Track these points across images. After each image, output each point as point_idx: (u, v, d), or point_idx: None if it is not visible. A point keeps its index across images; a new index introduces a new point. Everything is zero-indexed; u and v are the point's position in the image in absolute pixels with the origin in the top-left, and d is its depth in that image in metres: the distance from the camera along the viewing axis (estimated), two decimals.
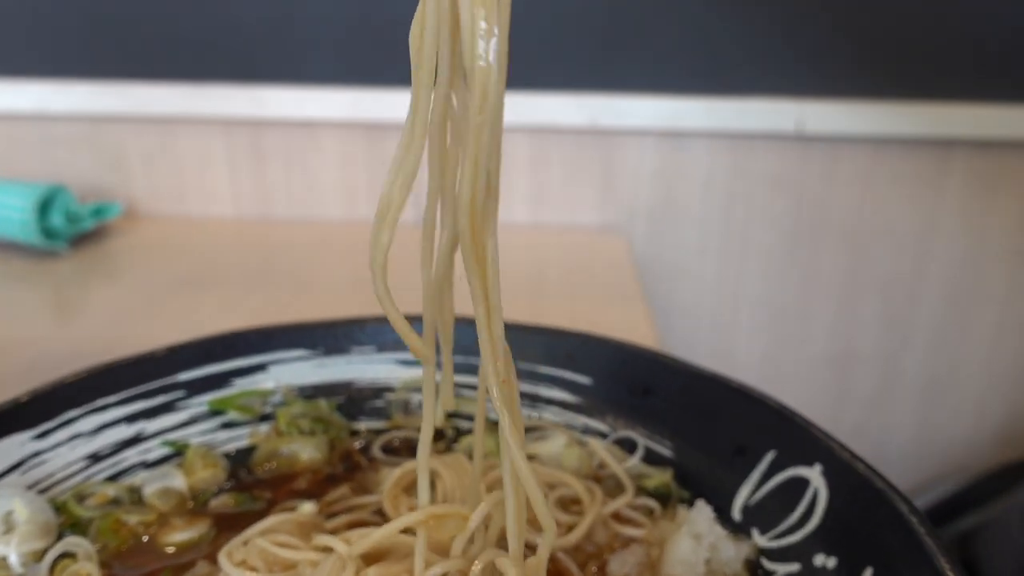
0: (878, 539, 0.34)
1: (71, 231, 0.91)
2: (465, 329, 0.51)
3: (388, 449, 0.49)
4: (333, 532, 0.39)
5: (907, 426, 1.07)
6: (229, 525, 0.42)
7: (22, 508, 0.38)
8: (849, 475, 0.37)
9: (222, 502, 0.44)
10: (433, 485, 0.43)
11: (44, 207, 0.89)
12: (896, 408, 1.06)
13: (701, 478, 0.44)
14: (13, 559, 0.38)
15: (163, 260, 0.89)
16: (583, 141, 0.97)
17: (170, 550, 0.41)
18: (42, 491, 0.42)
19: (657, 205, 1.00)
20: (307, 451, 0.47)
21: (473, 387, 0.51)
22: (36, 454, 0.42)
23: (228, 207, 1.02)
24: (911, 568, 0.32)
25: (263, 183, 1.01)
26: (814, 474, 0.39)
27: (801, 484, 0.39)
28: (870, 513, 0.35)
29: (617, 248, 0.94)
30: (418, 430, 0.49)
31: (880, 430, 1.07)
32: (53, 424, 0.43)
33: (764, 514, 0.40)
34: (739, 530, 0.41)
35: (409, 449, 0.49)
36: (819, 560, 0.36)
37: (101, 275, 0.87)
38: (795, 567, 0.37)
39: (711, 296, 1.03)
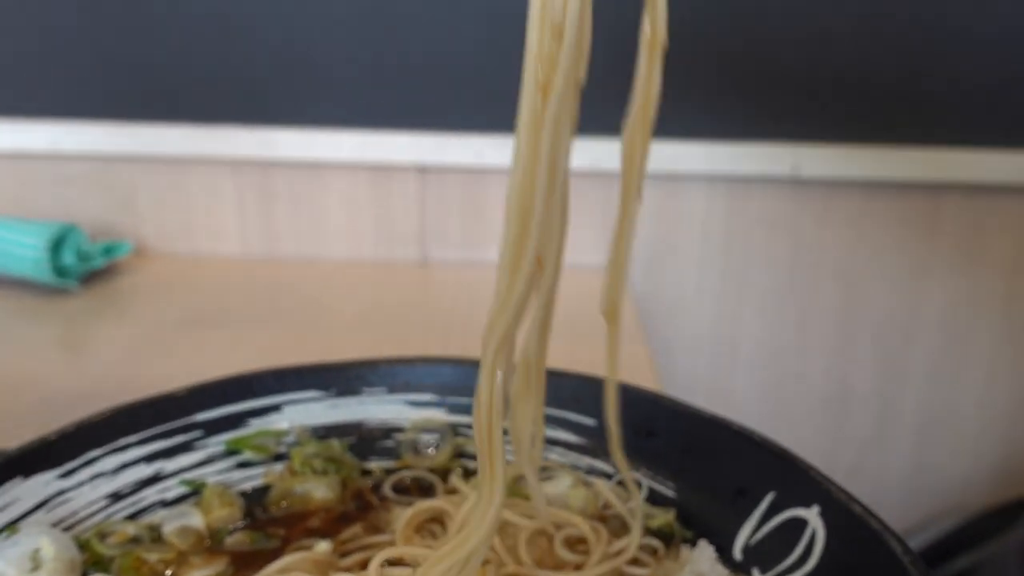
0: None
1: (82, 269, 0.93)
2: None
3: (399, 488, 0.50)
4: (347, 571, 0.41)
5: (903, 465, 1.08)
6: (245, 563, 0.44)
7: (49, 546, 0.40)
8: (846, 516, 0.39)
9: (237, 540, 0.46)
10: (443, 525, 0.45)
11: (56, 245, 0.91)
12: (892, 447, 1.08)
13: (703, 518, 0.45)
14: None
15: (172, 298, 0.91)
16: (583, 183, 1.00)
17: None
18: (66, 529, 0.43)
19: (656, 246, 1.02)
20: (320, 490, 0.49)
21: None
22: (60, 493, 0.44)
23: (236, 246, 1.04)
24: None
25: (271, 223, 1.03)
26: (812, 515, 0.40)
27: (800, 525, 0.40)
28: (866, 554, 0.37)
29: None
30: (428, 470, 0.51)
31: (876, 469, 1.08)
32: (77, 463, 0.45)
33: (764, 554, 0.42)
34: (740, 569, 0.42)
35: (419, 488, 0.50)
36: None
37: (111, 313, 0.88)
38: None
39: (709, 336, 1.05)
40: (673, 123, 0.96)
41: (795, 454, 0.43)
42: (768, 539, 0.42)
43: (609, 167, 0.97)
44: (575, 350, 0.79)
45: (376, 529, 0.46)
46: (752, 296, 1.03)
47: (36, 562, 0.39)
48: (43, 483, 0.43)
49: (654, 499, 0.47)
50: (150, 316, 0.86)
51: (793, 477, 0.42)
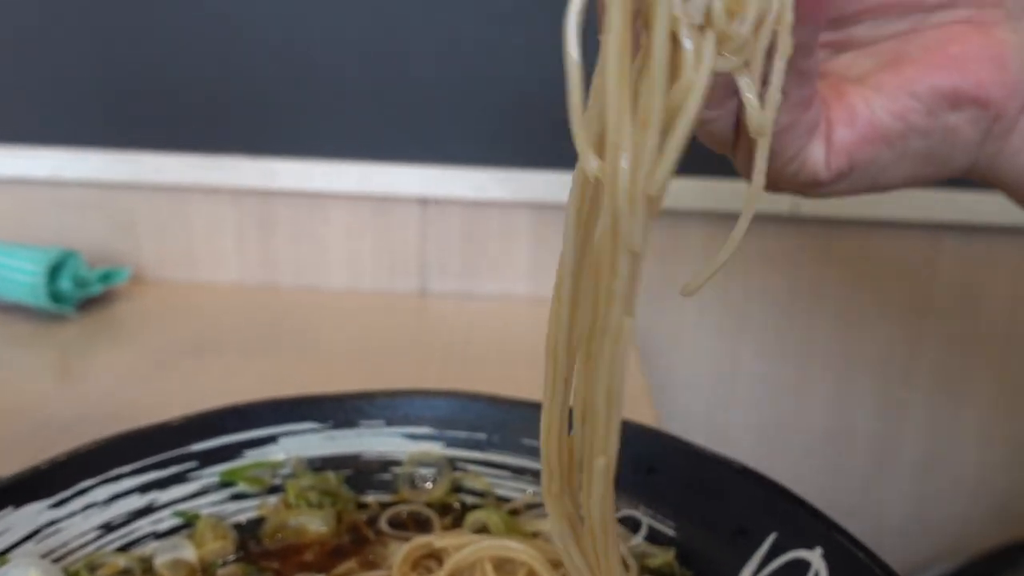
0: None
1: (79, 295, 0.92)
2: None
3: (395, 523, 0.49)
4: None
5: (902, 505, 1.08)
6: None
7: None
8: (849, 559, 0.38)
9: (230, 573, 0.45)
10: (439, 561, 0.44)
11: (53, 271, 0.90)
12: (891, 487, 1.07)
13: (704, 558, 0.45)
14: None
15: (169, 325, 0.91)
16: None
17: None
18: (56, 560, 0.42)
19: (655, 281, 1.02)
20: (315, 523, 0.48)
21: (481, 463, 0.52)
22: (52, 523, 0.43)
23: (235, 274, 1.04)
24: None
25: (271, 252, 1.03)
26: (815, 557, 0.40)
27: (802, 566, 0.40)
28: None
29: None
30: (425, 504, 0.50)
31: (875, 508, 1.07)
32: (69, 493, 0.44)
33: None
34: None
35: (416, 523, 0.49)
36: None
37: (107, 339, 0.88)
38: None
39: (708, 372, 1.05)
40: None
41: (798, 495, 0.43)
42: None
43: None
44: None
45: (371, 564, 0.46)
46: (751, 333, 1.03)
47: None
48: (34, 513, 0.42)
49: (653, 538, 0.47)
50: (146, 343, 0.85)
51: (796, 518, 0.41)
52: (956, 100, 0.36)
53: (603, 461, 0.29)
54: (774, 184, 0.42)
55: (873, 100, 0.37)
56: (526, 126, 0.96)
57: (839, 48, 0.40)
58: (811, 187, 0.40)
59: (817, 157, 0.38)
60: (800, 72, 0.34)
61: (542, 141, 0.96)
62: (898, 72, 0.38)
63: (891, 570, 0.37)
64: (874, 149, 0.38)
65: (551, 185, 0.97)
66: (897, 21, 0.38)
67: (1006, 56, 0.36)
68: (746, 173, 0.43)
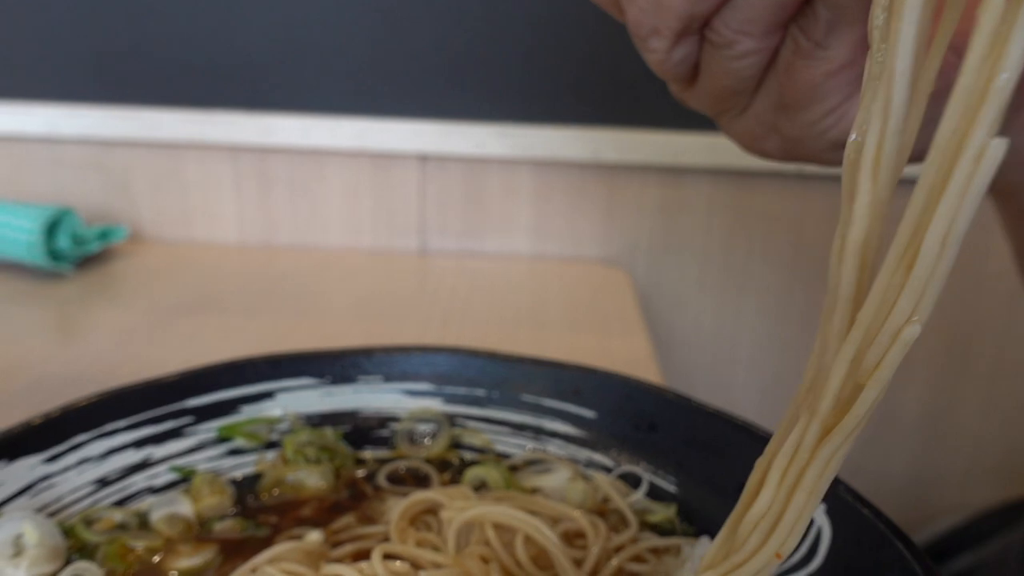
0: None
1: (77, 253, 0.91)
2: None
3: (393, 479, 0.49)
4: (339, 561, 0.40)
5: (904, 463, 1.07)
6: (235, 551, 0.43)
7: (32, 531, 0.39)
8: (852, 516, 0.38)
9: (227, 527, 0.45)
10: (438, 517, 0.44)
11: (51, 229, 0.89)
12: (894, 444, 1.07)
13: (705, 514, 0.44)
14: None
15: (167, 284, 0.90)
16: (586, 174, 0.98)
17: (172, 574, 0.41)
18: (51, 515, 0.42)
19: (658, 239, 1.01)
20: (313, 479, 0.48)
21: (480, 419, 0.51)
22: (45, 477, 0.43)
23: (233, 233, 1.03)
24: None
25: (268, 210, 1.02)
26: (818, 513, 0.39)
27: None
28: (873, 554, 0.36)
29: (619, 281, 0.95)
30: (424, 461, 0.50)
31: (878, 466, 1.07)
32: (63, 448, 0.43)
33: None
34: None
35: (414, 479, 0.49)
36: None
37: (105, 298, 0.87)
38: None
39: (711, 330, 1.04)
40: (677, 115, 0.95)
41: None
42: None
43: (609, 158, 0.96)
44: (576, 340, 0.78)
45: (369, 520, 0.45)
46: (753, 291, 1.02)
47: (18, 548, 0.38)
48: (27, 467, 0.42)
49: (655, 494, 0.46)
50: (145, 302, 0.85)
51: None
52: None
53: (915, 327, 0.22)
54: (796, 146, 0.42)
55: None
56: (527, 80, 0.95)
57: None
58: (835, 149, 0.40)
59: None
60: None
61: (544, 96, 0.95)
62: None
63: (896, 527, 0.36)
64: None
65: (553, 141, 0.95)
66: None
67: None
68: (759, 127, 0.42)
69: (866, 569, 0.36)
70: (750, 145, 0.45)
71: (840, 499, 0.38)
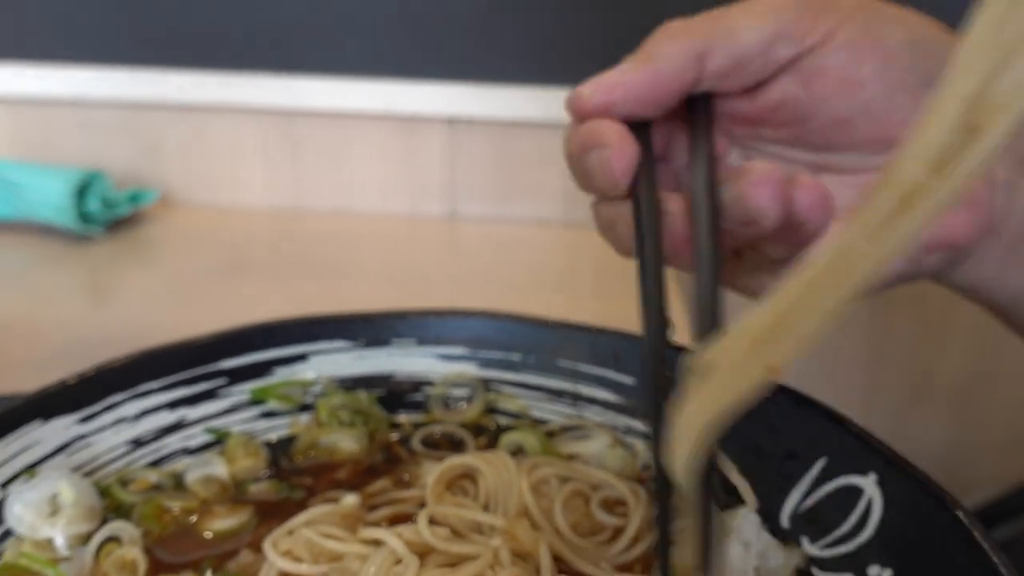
0: (938, 552, 0.34)
1: (107, 216, 0.91)
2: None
3: (428, 443, 0.48)
4: (375, 525, 0.39)
5: (940, 432, 1.06)
6: (270, 514, 0.42)
7: (68, 491, 0.38)
8: (906, 486, 0.36)
9: (262, 489, 0.44)
10: (474, 482, 0.43)
11: (81, 192, 0.89)
12: (930, 413, 1.05)
13: (747, 482, 0.43)
14: (59, 541, 0.38)
15: (197, 248, 0.89)
16: None
17: (208, 535, 0.41)
18: (86, 475, 0.42)
19: None
20: (347, 442, 0.47)
21: (516, 384, 0.51)
22: (81, 437, 0.42)
23: (261, 197, 1.02)
24: None
25: (296, 174, 1.01)
26: (868, 483, 0.38)
27: (854, 493, 0.38)
28: (929, 525, 0.35)
29: None
30: (459, 425, 0.49)
31: (913, 435, 1.06)
32: (98, 408, 0.43)
33: (814, 522, 0.39)
34: (788, 537, 0.40)
35: (449, 443, 0.48)
36: (874, 571, 0.36)
37: (136, 261, 0.87)
38: None
39: (741, 298, 1.02)
40: None
41: (849, 418, 0.41)
42: (819, 507, 0.40)
43: None
44: (608, 307, 0.77)
45: (405, 484, 0.45)
46: None
47: (54, 507, 0.38)
48: (63, 427, 0.42)
49: None
50: (175, 265, 0.84)
51: (847, 442, 0.39)
52: (931, 248, 0.37)
53: None
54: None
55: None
56: (560, 40, 0.92)
57: (820, 169, 0.39)
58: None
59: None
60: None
61: (577, 56, 0.92)
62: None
63: (953, 496, 0.35)
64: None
65: None
66: (882, 155, 0.38)
67: (981, 196, 0.36)
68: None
69: (920, 539, 0.35)
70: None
71: (893, 468, 0.37)
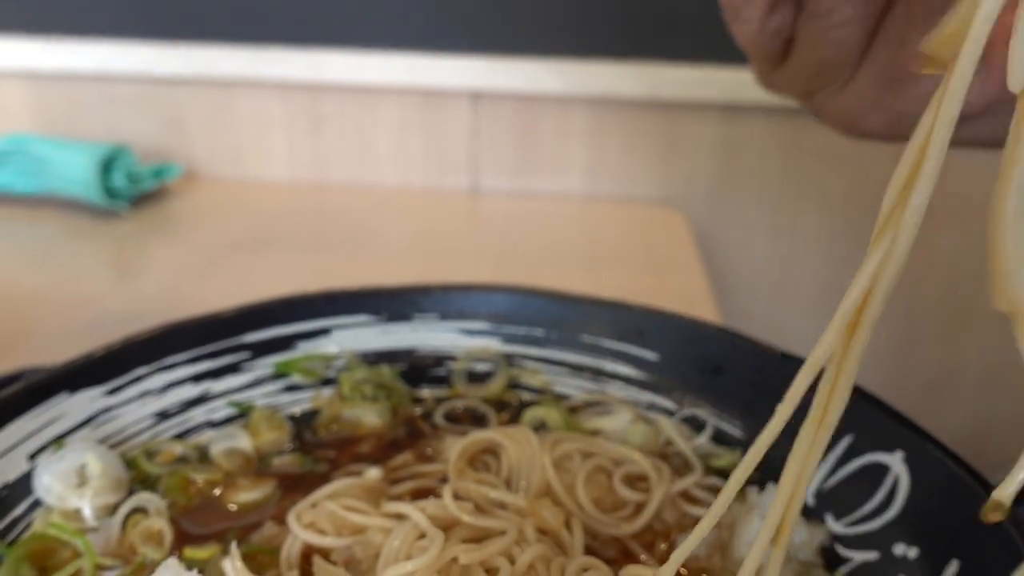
0: (965, 532, 0.33)
1: (132, 191, 0.92)
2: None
3: (450, 417, 0.48)
4: (398, 499, 0.39)
5: (966, 413, 1.04)
6: (293, 486, 0.43)
7: (95, 462, 0.39)
8: (933, 464, 0.36)
9: (285, 462, 0.45)
10: (497, 457, 0.43)
11: (106, 167, 0.90)
12: (955, 394, 1.03)
13: (772, 459, 0.43)
14: (87, 512, 0.38)
15: (222, 222, 0.90)
16: (642, 112, 0.95)
17: (232, 507, 0.41)
18: (113, 446, 0.42)
19: (715, 179, 0.98)
20: (370, 416, 0.47)
21: (539, 359, 0.50)
22: (107, 409, 0.43)
23: (284, 171, 1.02)
24: (1003, 565, 0.31)
25: (319, 148, 1.01)
26: (895, 461, 0.37)
27: (880, 471, 0.38)
28: (956, 504, 0.34)
29: (674, 222, 0.92)
30: (481, 400, 0.49)
31: (939, 414, 1.05)
32: (124, 380, 0.44)
33: (839, 500, 0.39)
34: (812, 515, 0.39)
35: (472, 418, 0.48)
36: (899, 550, 0.35)
37: (161, 235, 0.88)
38: (872, 555, 0.36)
39: (766, 272, 1.01)
40: (735, 47, 0.91)
41: (876, 395, 0.40)
42: (844, 484, 0.39)
43: (668, 95, 0.92)
44: (631, 282, 0.76)
45: (427, 458, 0.45)
46: (811, 233, 0.99)
47: (82, 478, 0.39)
48: (89, 399, 0.42)
49: (719, 438, 0.45)
50: (200, 239, 0.85)
51: (874, 420, 0.39)
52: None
53: None
54: (904, 123, 0.40)
55: None
56: (583, 13, 0.91)
57: None
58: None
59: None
60: None
61: (600, 29, 0.91)
62: None
63: (981, 476, 0.34)
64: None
65: (609, 77, 0.92)
66: None
67: None
68: (861, 104, 0.39)
69: (947, 518, 0.34)
70: (850, 124, 0.42)
71: (920, 448, 0.37)
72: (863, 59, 0.38)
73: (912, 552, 0.35)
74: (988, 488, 0.34)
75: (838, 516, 0.39)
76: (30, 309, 0.68)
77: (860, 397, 0.40)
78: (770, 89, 0.43)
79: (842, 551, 0.38)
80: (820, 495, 0.40)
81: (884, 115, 0.39)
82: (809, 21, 0.36)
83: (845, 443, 0.40)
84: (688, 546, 0.28)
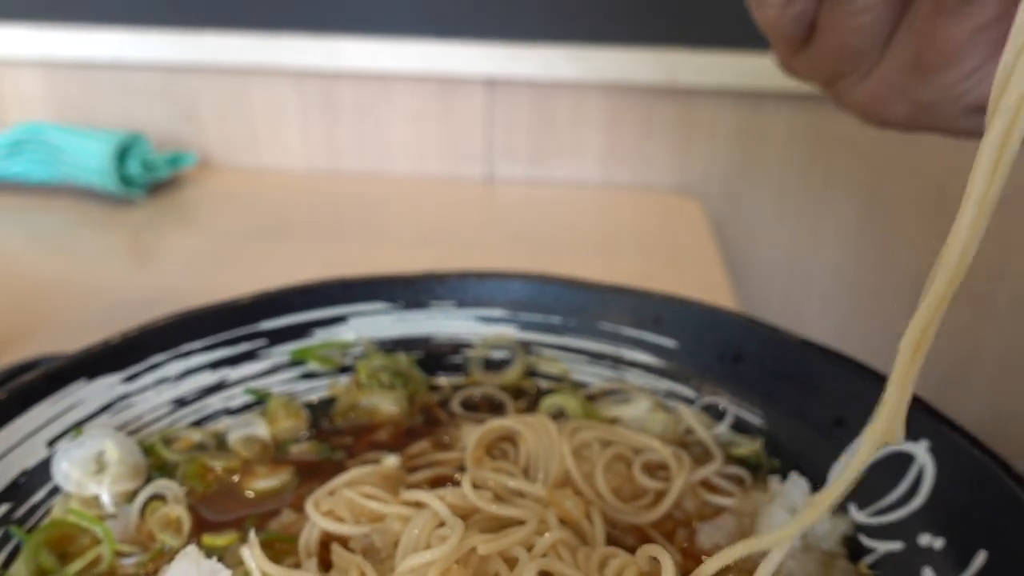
0: (993, 522, 0.33)
1: (148, 179, 0.92)
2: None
3: (468, 405, 0.48)
4: (416, 487, 0.39)
5: (982, 407, 1.03)
6: (310, 474, 0.42)
7: (113, 449, 0.39)
8: (959, 453, 0.35)
9: (303, 449, 0.44)
10: (515, 445, 0.42)
11: (121, 155, 0.90)
12: (972, 387, 1.02)
13: (793, 448, 0.42)
14: (105, 499, 0.38)
15: (237, 210, 0.90)
16: (659, 99, 0.94)
17: (250, 494, 0.41)
18: (130, 433, 0.42)
19: (734, 167, 0.97)
20: (387, 404, 0.47)
21: (556, 347, 0.50)
22: (124, 396, 0.43)
23: (299, 159, 1.02)
24: None
25: (334, 136, 1.01)
26: (920, 450, 0.37)
27: (905, 460, 0.37)
28: (983, 495, 0.34)
29: (691, 210, 0.92)
30: (499, 388, 0.49)
31: (957, 403, 1.03)
32: (141, 367, 0.43)
33: (863, 489, 0.38)
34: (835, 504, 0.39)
35: (489, 406, 0.48)
36: (924, 540, 0.35)
37: (177, 223, 0.88)
38: (897, 546, 0.36)
39: (785, 262, 1.00)
40: (759, 35, 0.90)
41: None
42: (867, 474, 0.38)
43: (685, 81, 0.92)
44: (647, 270, 0.76)
45: (445, 446, 0.44)
46: (831, 222, 0.98)
47: (100, 465, 0.39)
48: (107, 386, 0.42)
49: (740, 427, 0.44)
50: (215, 228, 0.85)
51: None
52: None
53: None
54: (927, 112, 0.40)
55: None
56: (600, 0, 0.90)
57: None
58: (971, 114, 0.38)
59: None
60: None
61: (616, 14, 0.90)
62: None
63: (1008, 465, 0.33)
64: None
65: (625, 63, 0.91)
66: None
67: None
68: (885, 91, 0.39)
69: (974, 508, 0.34)
70: (873, 112, 0.41)
71: (946, 435, 0.36)
72: (887, 46, 0.37)
73: (938, 543, 0.34)
74: (1016, 478, 0.33)
75: (861, 506, 0.38)
76: (46, 297, 0.68)
77: (884, 385, 0.40)
78: (791, 75, 0.42)
79: (866, 541, 0.37)
80: None
81: (907, 104, 0.39)
82: (833, 6, 0.35)
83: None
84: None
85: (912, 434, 0.37)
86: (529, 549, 0.32)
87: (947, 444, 0.36)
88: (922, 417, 0.37)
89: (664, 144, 0.96)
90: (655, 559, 0.31)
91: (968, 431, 0.36)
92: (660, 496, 0.40)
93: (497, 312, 0.51)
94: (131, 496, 0.39)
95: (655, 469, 0.42)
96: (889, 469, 0.38)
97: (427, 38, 0.94)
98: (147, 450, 0.42)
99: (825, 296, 1.01)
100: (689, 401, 0.46)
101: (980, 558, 0.32)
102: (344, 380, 0.49)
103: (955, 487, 0.35)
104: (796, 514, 0.37)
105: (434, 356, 0.51)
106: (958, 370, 1.02)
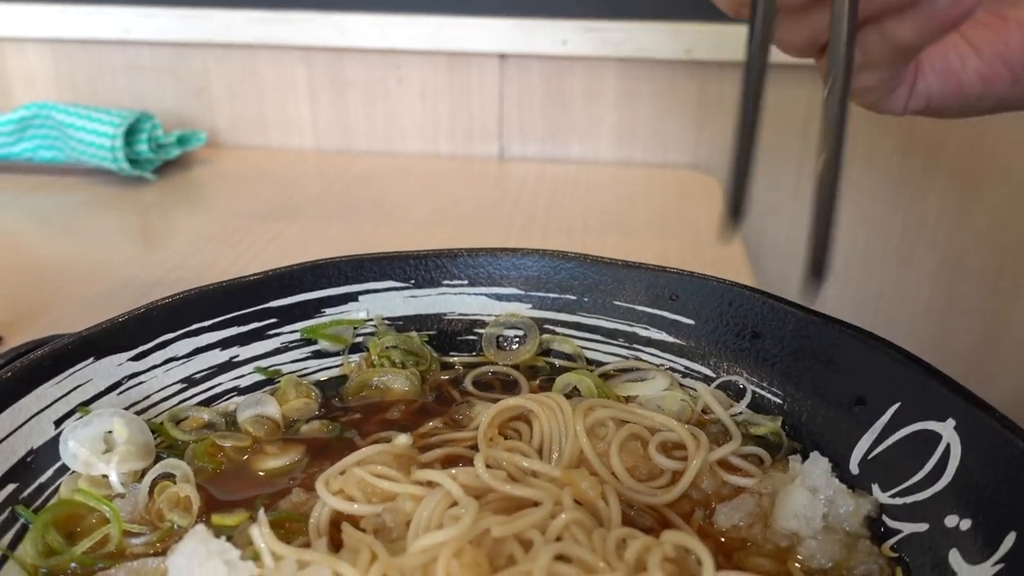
0: (1023, 503, 0.32)
1: (156, 159, 0.91)
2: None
3: (480, 384, 0.47)
4: (428, 466, 0.38)
5: (1008, 387, 1.02)
6: (321, 453, 0.42)
7: (121, 428, 0.38)
8: (987, 433, 0.34)
9: (313, 428, 0.44)
10: (528, 424, 0.42)
11: (130, 134, 0.89)
12: (997, 367, 1.01)
13: (814, 428, 0.41)
14: (114, 478, 0.38)
15: (246, 190, 0.89)
16: (675, 74, 0.93)
17: (260, 474, 0.41)
18: (139, 412, 0.41)
19: None
20: (398, 382, 0.46)
21: (571, 325, 0.49)
22: (133, 375, 0.42)
23: (309, 138, 1.01)
24: None
25: (344, 114, 1.00)
26: (946, 429, 0.36)
27: (930, 439, 0.36)
28: (1013, 475, 0.32)
29: (709, 187, 0.90)
30: (512, 366, 0.48)
31: (980, 387, 1.02)
32: (149, 346, 0.43)
33: (886, 469, 0.37)
34: (857, 484, 0.38)
35: (501, 385, 0.47)
36: (951, 521, 0.34)
37: (186, 203, 0.87)
38: (923, 527, 0.35)
39: (804, 239, 0.99)
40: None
41: (925, 361, 0.38)
42: (891, 453, 0.38)
43: (702, 56, 0.90)
44: (664, 248, 0.74)
45: (457, 424, 0.44)
46: (854, 199, 0.96)
47: (109, 444, 0.38)
48: (115, 365, 0.41)
49: (758, 406, 0.44)
50: (225, 207, 0.84)
51: (923, 387, 0.37)
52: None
53: None
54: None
55: (969, 61, 0.43)
56: None
57: None
58: (879, 111, 0.46)
59: (899, 97, 0.45)
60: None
61: None
62: (1000, 37, 0.42)
63: None
64: (951, 102, 0.44)
65: (641, 37, 0.89)
66: None
67: None
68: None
69: (1002, 490, 0.33)
70: (872, 105, 0.47)
71: (973, 414, 0.35)
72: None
73: (965, 524, 0.33)
74: None
75: (885, 487, 0.37)
76: (55, 278, 0.67)
77: (909, 363, 0.39)
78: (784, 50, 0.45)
79: (890, 522, 0.36)
80: (865, 464, 0.38)
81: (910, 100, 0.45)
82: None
83: (892, 411, 0.38)
84: None
85: (938, 413, 0.36)
86: (543, 531, 0.32)
87: (974, 423, 0.35)
88: (948, 395, 0.36)
89: (680, 120, 0.94)
90: (685, 549, 0.30)
91: (996, 409, 0.35)
92: (677, 476, 0.39)
93: (510, 290, 0.50)
94: (139, 475, 0.38)
95: (672, 449, 0.41)
96: (914, 448, 0.37)
97: (438, 13, 0.92)
98: (156, 429, 0.41)
99: (845, 276, 1.00)
100: (707, 379, 0.45)
101: (1010, 540, 0.31)
102: (355, 359, 0.48)
103: (982, 467, 0.34)
104: (817, 494, 0.36)
105: (446, 334, 0.50)
106: (985, 348, 1.00)
